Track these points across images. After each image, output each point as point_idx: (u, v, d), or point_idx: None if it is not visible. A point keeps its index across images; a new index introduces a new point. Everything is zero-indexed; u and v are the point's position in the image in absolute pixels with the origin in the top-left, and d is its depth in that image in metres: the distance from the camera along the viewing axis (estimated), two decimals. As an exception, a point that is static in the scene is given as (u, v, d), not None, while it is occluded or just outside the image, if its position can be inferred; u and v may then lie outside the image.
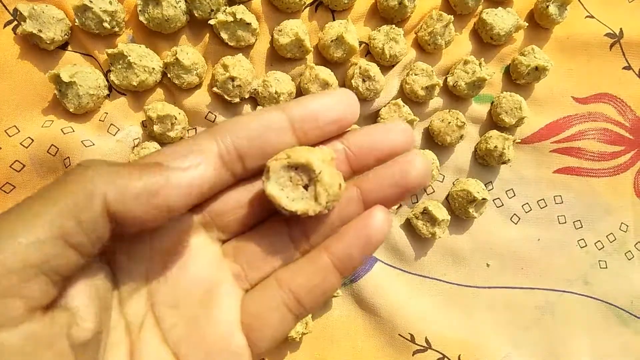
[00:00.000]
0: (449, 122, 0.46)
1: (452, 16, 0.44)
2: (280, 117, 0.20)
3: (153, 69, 0.41)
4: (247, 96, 0.43)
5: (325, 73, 0.43)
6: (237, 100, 0.43)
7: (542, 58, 0.46)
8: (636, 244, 0.51)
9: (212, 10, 0.41)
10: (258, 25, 0.43)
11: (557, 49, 0.49)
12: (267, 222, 0.22)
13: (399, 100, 0.45)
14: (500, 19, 0.45)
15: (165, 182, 0.18)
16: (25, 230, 0.16)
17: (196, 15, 0.42)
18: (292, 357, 0.45)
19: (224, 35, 0.42)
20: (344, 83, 0.45)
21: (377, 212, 0.20)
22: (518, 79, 0.47)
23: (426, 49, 0.46)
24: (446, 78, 0.47)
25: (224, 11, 0.41)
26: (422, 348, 0.46)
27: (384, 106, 0.45)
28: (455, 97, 0.48)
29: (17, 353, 0.16)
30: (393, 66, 0.45)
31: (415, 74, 0.45)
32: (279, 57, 0.44)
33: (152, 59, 0.42)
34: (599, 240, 0.50)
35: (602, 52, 0.49)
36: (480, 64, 0.45)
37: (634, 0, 0.50)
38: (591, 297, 0.50)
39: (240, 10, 0.41)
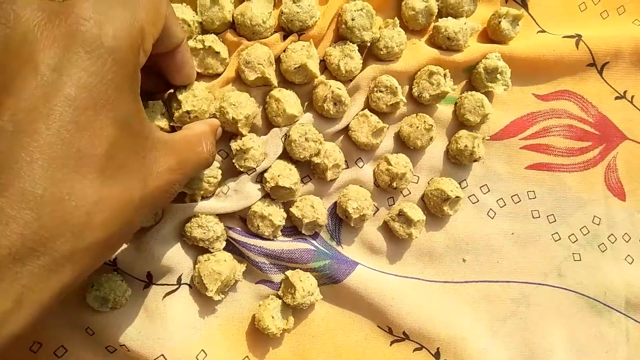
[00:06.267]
0: (417, 127, 0.47)
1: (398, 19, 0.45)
2: None
3: None
4: None
5: (290, 102, 0.43)
6: None
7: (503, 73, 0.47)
8: (609, 236, 0.51)
9: None
10: (228, 56, 0.44)
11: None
12: None
13: (366, 111, 0.46)
14: (453, 21, 0.46)
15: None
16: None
17: None
18: (274, 353, 0.48)
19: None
20: (309, 102, 0.46)
21: None
22: (480, 89, 0.48)
23: (379, 56, 0.46)
24: (411, 87, 0.48)
25: (195, 39, 0.43)
26: (400, 338, 0.48)
27: (352, 119, 0.47)
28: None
29: None
30: (351, 80, 0.46)
31: (380, 91, 0.46)
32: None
33: None
34: (572, 234, 0.51)
35: (569, 52, 0.49)
36: (445, 75, 0.46)
37: (586, 9, 0.49)
38: (566, 289, 0.51)
39: (210, 39, 0.43)
